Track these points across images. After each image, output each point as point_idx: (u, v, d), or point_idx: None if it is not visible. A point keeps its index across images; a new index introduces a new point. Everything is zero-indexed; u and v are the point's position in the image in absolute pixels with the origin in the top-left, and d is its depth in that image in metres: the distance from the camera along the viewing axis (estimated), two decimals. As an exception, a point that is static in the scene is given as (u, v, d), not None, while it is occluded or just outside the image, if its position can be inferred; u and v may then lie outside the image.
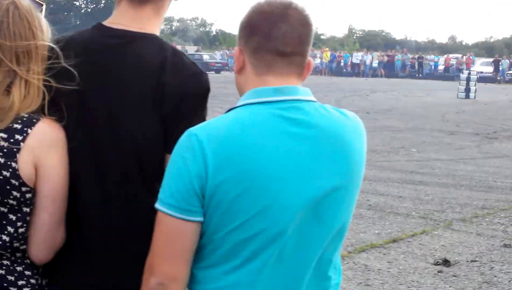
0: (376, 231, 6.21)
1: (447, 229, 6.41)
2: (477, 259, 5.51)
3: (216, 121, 1.49)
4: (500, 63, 45.71)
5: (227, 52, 49.13)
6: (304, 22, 1.53)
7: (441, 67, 48.40)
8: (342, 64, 49.15)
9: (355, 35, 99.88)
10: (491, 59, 48.59)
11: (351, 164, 1.53)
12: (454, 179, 8.97)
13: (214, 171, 1.42)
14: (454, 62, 46.78)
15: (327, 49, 51.44)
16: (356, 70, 47.17)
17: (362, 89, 28.89)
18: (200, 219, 1.45)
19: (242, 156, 1.43)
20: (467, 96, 26.46)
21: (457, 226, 6.53)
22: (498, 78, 44.49)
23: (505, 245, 5.88)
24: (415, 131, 14.49)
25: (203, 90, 1.70)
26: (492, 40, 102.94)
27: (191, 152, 1.43)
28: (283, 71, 1.53)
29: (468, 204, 7.48)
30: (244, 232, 1.44)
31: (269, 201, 1.43)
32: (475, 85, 27.00)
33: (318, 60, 47.42)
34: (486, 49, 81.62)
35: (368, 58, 47.36)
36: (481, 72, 44.66)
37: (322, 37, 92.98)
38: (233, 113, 1.51)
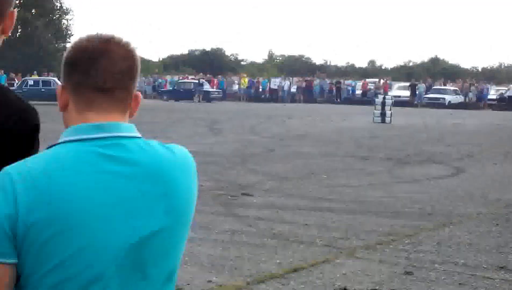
0: (278, 261, 6.02)
1: (350, 257, 6.28)
2: (377, 287, 5.39)
3: (33, 159, 1.44)
4: (416, 87, 46.95)
5: (145, 79, 48.76)
6: (126, 56, 1.50)
7: (359, 92, 49.30)
8: (260, 90, 49.42)
9: (275, 60, 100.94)
10: (408, 83, 49.88)
11: (176, 203, 1.48)
12: (362, 205, 8.92)
13: (26, 211, 1.37)
14: (372, 87, 47.73)
15: (245, 75, 51.65)
16: (275, 96, 47.49)
17: (278, 115, 29.01)
18: (14, 261, 1.39)
19: (56, 196, 1.38)
20: (383, 121, 26.88)
21: (361, 253, 6.42)
22: (415, 102, 45.61)
23: (407, 273, 5.79)
24: (328, 157, 14.50)
25: (29, 128, 1.60)
26: (411, 64, 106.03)
27: (2, 192, 1.38)
28: (105, 107, 1.49)
29: (374, 230, 7.40)
30: (60, 274, 1.40)
31: (84, 243, 1.39)
32: (390, 110, 27.48)
33: (236, 86, 47.59)
34: (405, 73, 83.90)
35: (286, 84, 47.79)
36: (398, 96, 45.77)
37: (242, 63, 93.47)
38: (51, 151, 1.45)
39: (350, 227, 7.51)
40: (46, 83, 36.67)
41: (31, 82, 37.44)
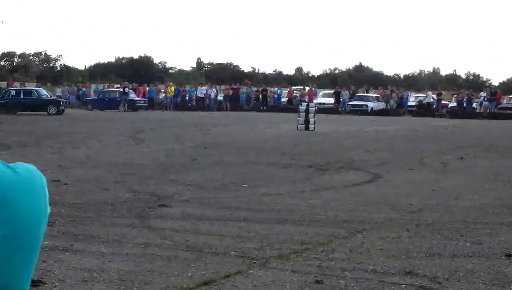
0: (190, 274, 6.01)
1: (263, 267, 6.33)
2: (287, 297, 5.46)
3: None
4: (340, 95, 47.72)
5: (68, 88, 47.93)
6: None
7: (285, 99, 49.73)
8: (187, 98, 49.28)
9: (204, 68, 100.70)
10: (332, 91, 50.68)
11: (14, 226, 1.34)
12: (279, 214, 9.00)
13: None
14: (298, 94, 48.23)
15: (171, 83, 51.43)
16: (201, 104, 47.44)
17: (204, 123, 29.00)
18: None
19: None
20: (307, 128, 27.21)
21: (274, 263, 6.48)
22: (340, 109, 46.35)
23: (317, 281, 5.87)
24: (250, 165, 14.58)
25: None
26: (337, 71, 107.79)
27: None
28: None
29: (288, 239, 7.48)
30: None
31: None
32: (314, 117, 27.85)
33: (162, 95, 47.27)
34: (330, 80, 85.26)
35: (212, 92, 47.80)
36: (323, 104, 46.45)
37: (170, 71, 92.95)
38: None
39: (266, 237, 7.57)
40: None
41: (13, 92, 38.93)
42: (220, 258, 6.60)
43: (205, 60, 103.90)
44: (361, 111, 43.50)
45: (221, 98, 48.25)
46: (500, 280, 6.01)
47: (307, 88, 48.93)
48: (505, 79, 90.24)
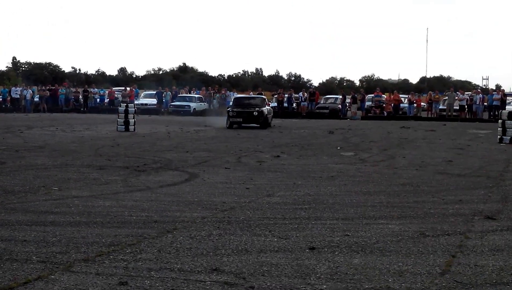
0: None
1: (66, 271, 6.08)
2: (89, 302, 5.27)
3: None
4: (163, 95, 47.55)
5: None
6: None
7: (107, 100, 48.77)
8: (1, 99, 46.86)
9: (21, 68, 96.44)
10: (154, 91, 50.39)
11: None
12: (89, 216, 8.74)
13: None
14: (119, 95, 47.47)
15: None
16: (17, 106, 45.30)
17: (17, 126, 27.69)
18: None
19: None
20: (127, 129, 26.87)
21: (78, 267, 6.25)
22: (162, 109, 46.17)
23: (122, 283, 5.74)
24: (63, 167, 14.08)
25: None
26: (161, 72, 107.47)
27: None
28: None
29: (96, 242, 7.27)
30: None
31: None
32: (134, 118, 27.53)
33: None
34: (155, 80, 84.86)
35: (28, 93, 45.80)
36: (145, 104, 46.06)
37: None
38: None
39: (72, 240, 7.30)
40: None
41: None
42: (20, 265, 6.26)
43: (22, 59, 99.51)
44: (184, 112, 43.64)
45: (38, 99, 46.34)
46: (303, 272, 6.20)
47: (128, 89, 48.27)
48: (324, 80, 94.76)
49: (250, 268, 6.32)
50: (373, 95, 44.49)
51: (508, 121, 22.41)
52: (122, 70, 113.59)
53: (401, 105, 42.96)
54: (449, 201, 10.34)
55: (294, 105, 45.82)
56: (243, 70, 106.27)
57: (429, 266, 6.47)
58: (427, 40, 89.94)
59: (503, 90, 46.12)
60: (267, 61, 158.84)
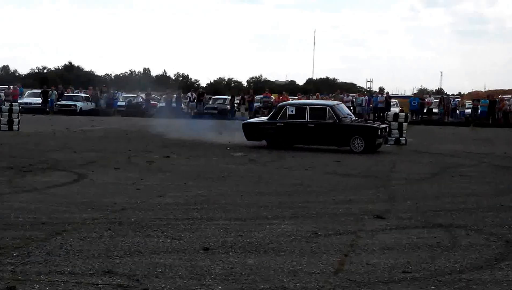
0: None
1: None
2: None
3: None
4: (49, 94, 46.12)
5: None
6: None
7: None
8: None
9: None
10: (40, 90, 48.79)
11: None
12: (-29, 218, 8.28)
13: None
14: (2, 94, 45.60)
15: None
16: None
17: None
18: None
19: None
20: (11, 128, 25.89)
21: (-40, 273, 5.89)
22: (48, 109, 44.76)
23: (9, 288, 5.48)
24: None
25: None
26: (45, 70, 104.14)
27: None
28: None
29: (-21, 245, 6.89)
30: None
31: None
32: (18, 117, 26.55)
33: None
34: (39, 79, 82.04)
35: None
36: (30, 103, 44.50)
37: None
38: None
39: (-48, 244, 6.89)
40: None
41: None
42: None
43: None
44: (70, 111, 42.48)
45: None
46: (197, 273, 6.13)
47: (11, 87, 46.46)
48: (212, 80, 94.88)
49: (143, 269, 6.18)
50: (261, 96, 44.94)
51: (393, 123, 23.18)
52: (5, 68, 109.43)
53: (290, 106, 43.71)
54: (339, 201, 10.55)
55: (183, 105, 45.57)
56: (130, 70, 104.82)
57: (323, 265, 6.55)
58: (314, 43, 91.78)
59: (388, 93, 47.85)
60: (155, 60, 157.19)
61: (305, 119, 19.65)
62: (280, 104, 22.12)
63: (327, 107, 20.02)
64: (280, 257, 6.83)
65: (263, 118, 21.93)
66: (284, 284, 5.90)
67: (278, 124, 19.93)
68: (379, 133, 19.38)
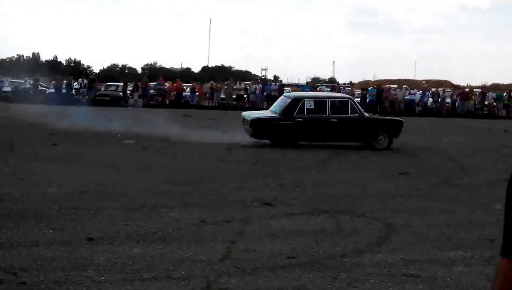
0: None
1: None
2: None
3: None
4: None
5: None
6: None
7: None
8: None
9: None
10: None
11: None
12: None
13: None
14: None
15: None
16: None
17: None
18: None
19: None
20: None
21: None
22: None
23: None
24: None
25: None
26: None
27: None
28: None
29: None
30: None
31: None
32: None
33: None
34: None
35: None
36: None
37: None
38: None
39: None
40: None
41: None
42: None
43: None
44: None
45: None
46: (80, 264, 5.96)
47: None
48: (105, 67, 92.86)
49: (22, 262, 5.95)
50: (155, 83, 44.43)
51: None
52: None
53: (184, 93, 43.37)
54: (229, 189, 10.56)
55: (74, 92, 44.37)
56: (17, 54, 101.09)
57: (210, 253, 6.52)
58: (210, 31, 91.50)
59: (281, 81, 48.48)
60: (45, 45, 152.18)
61: (326, 114, 17.57)
62: (295, 96, 19.09)
63: (349, 99, 18.52)
64: (166, 246, 6.75)
65: (270, 113, 18.75)
66: (170, 272, 5.83)
67: (297, 119, 17.56)
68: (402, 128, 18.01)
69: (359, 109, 18.23)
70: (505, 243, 1.37)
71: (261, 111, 20.60)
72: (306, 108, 17.69)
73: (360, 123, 17.69)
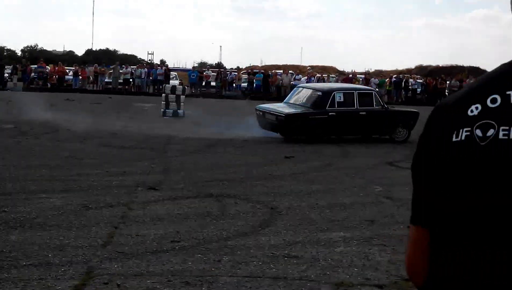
0: None
1: None
2: None
3: None
4: None
5: None
6: None
7: None
8: None
9: None
10: None
11: None
12: None
13: None
14: None
15: None
16: None
17: None
18: None
19: None
20: None
21: None
22: None
23: None
24: None
25: None
26: None
27: None
28: None
29: None
30: None
31: None
32: None
33: None
34: None
35: None
36: None
37: None
38: None
39: None
40: None
41: None
42: None
43: None
44: None
45: None
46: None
47: None
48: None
49: None
50: (36, 66, 42.91)
51: (171, 95, 23.30)
52: None
53: (66, 77, 42.14)
54: (113, 173, 10.36)
55: None
56: None
57: (91, 238, 6.38)
58: (93, 13, 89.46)
59: (168, 65, 48.07)
60: None
61: (355, 107, 16.84)
62: (326, 89, 17.70)
63: (373, 92, 18.03)
64: (46, 232, 6.55)
65: (299, 108, 17.14)
66: (49, 259, 5.66)
67: (330, 113, 16.63)
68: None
69: (382, 102, 18.09)
70: (413, 212, 1.53)
71: (281, 105, 18.58)
72: (336, 101, 16.88)
73: (384, 116, 17.28)
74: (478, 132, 1.40)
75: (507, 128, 1.37)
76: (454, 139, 1.44)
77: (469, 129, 1.42)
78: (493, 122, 1.39)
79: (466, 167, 1.41)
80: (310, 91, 17.81)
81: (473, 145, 1.40)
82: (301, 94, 18.04)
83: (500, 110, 1.40)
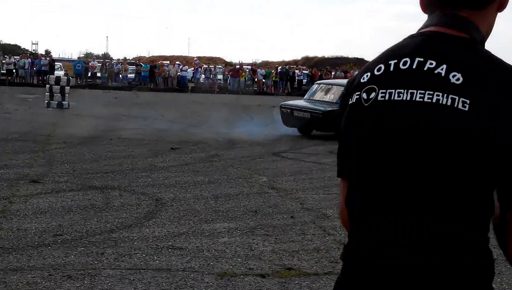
0: None
1: None
2: None
3: None
4: None
5: None
6: None
7: None
8: None
9: None
10: None
11: None
12: None
13: None
14: None
15: None
16: None
17: None
18: None
19: None
20: None
21: None
22: None
23: None
24: None
25: None
26: None
27: None
28: None
29: None
30: None
31: None
32: None
33: None
34: None
35: None
36: None
37: None
38: None
39: None
40: None
41: None
42: None
43: None
44: None
45: None
46: None
47: None
48: None
49: None
50: None
51: (56, 86, 22.77)
52: None
53: None
54: (-7, 166, 10.06)
55: None
56: None
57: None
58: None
59: (52, 56, 46.68)
60: None
61: None
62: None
63: None
64: None
65: (333, 105, 15.98)
66: None
67: None
68: None
69: None
70: (338, 167, 1.77)
71: (304, 102, 17.82)
72: None
73: None
74: (364, 95, 1.66)
75: (384, 91, 1.62)
76: (349, 102, 1.70)
77: (358, 93, 1.68)
78: (375, 86, 1.64)
79: (355, 125, 1.66)
80: (337, 88, 17.16)
81: (360, 106, 1.66)
82: (326, 91, 17.74)
83: (382, 77, 1.65)
